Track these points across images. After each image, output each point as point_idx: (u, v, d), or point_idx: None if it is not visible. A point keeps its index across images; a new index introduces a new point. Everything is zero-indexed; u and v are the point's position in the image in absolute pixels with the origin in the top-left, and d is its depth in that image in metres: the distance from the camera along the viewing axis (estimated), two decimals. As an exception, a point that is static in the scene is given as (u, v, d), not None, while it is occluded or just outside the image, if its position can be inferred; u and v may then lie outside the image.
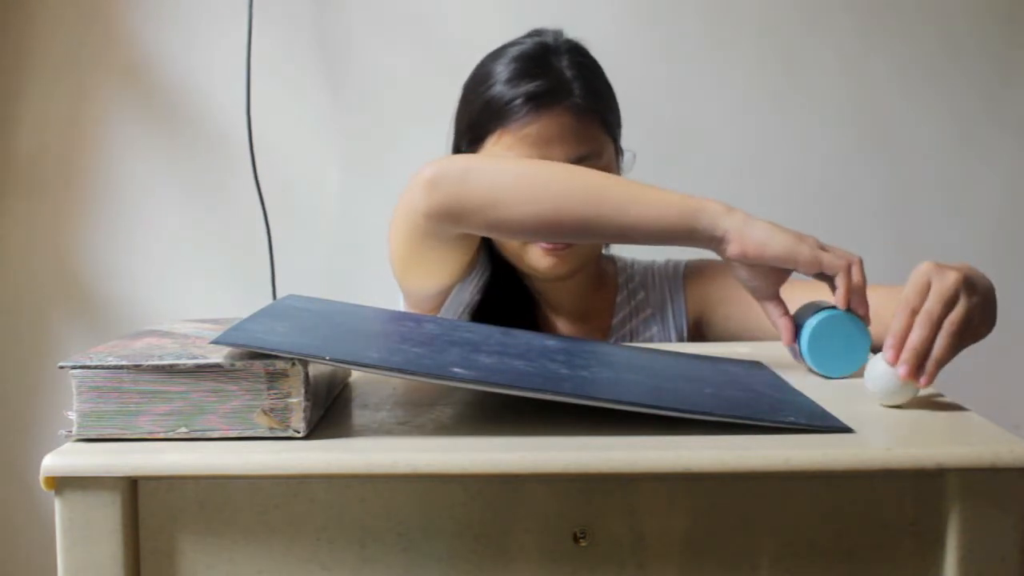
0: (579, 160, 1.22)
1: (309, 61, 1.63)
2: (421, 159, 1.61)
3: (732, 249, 0.99)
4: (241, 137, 1.58)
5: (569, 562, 0.70)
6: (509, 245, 1.29)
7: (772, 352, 1.06)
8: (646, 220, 1.03)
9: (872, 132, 1.61)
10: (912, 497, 0.70)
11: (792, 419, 0.76)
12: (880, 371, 0.83)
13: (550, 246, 1.24)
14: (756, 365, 0.99)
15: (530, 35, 1.32)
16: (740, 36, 1.61)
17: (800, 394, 0.86)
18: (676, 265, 1.35)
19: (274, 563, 0.70)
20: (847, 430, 0.74)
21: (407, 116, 1.63)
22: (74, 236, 1.65)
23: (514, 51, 1.29)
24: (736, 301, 1.27)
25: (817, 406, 0.81)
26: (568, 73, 1.26)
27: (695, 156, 1.61)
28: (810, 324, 0.95)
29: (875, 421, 0.78)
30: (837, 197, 1.62)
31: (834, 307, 0.96)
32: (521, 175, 1.08)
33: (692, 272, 1.34)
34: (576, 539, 0.70)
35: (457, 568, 0.70)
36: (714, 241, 1.00)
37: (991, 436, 0.72)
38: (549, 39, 1.30)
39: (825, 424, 0.75)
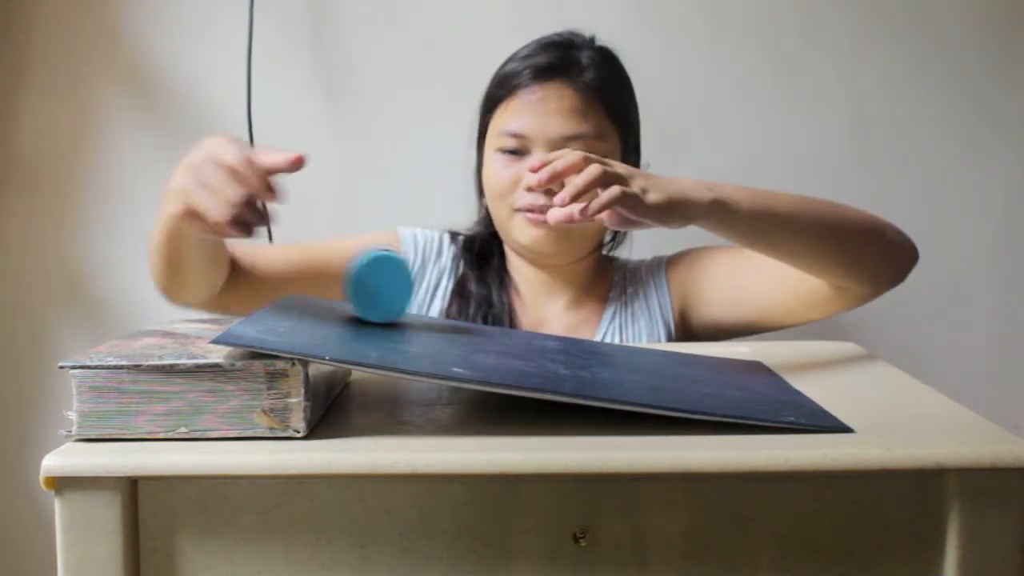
0: (575, 138, 1.24)
1: (309, 61, 1.63)
2: (422, 158, 1.61)
3: None
4: (243, 135, 1.58)
5: (569, 562, 0.70)
6: (500, 223, 1.32)
7: (772, 352, 1.06)
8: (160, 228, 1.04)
9: (868, 138, 1.61)
10: (912, 497, 0.70)
11: (792, 419, 0.76)
12: None
13: (534, 217, 1.25)
14: (756, 365, 0.99)
15: (567, 31, 1.35)
16: (735, 42, 1.61)
17: (800, 394, 0.86)
18: (659, 259, 1.37)
19: (274, 563, 0.70)
20: (847, 430, 0.74)
21: (408, 116, 1.63)
22: (74, 236, 1.65)
23: (544, 38, 1.32)
24: (717, 282, 1.28)
25: (817, 406, 0.81)
26: (585, 61, 1.29)
27: (689, 161, 1.61)
28: (353, 267, 0.89)
29: (875, 421, 0.78)
30: (831, 197, 1.61)
31: (384, 251, 0.91)
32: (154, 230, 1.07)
33: (672, 262, 1.36)
34: (576, 539, 0.70)
35: (457, 568, 0.70)
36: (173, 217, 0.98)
37: (991, 436, 0.72)
38: (580, 36, 1.34)
39: (825, 424, 0.75)
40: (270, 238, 1.58)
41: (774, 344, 1.14)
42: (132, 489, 0.70)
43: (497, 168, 1.28)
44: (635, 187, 0.94)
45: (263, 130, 1.58)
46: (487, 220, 1.37)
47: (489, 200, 1.32)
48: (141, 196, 1.64)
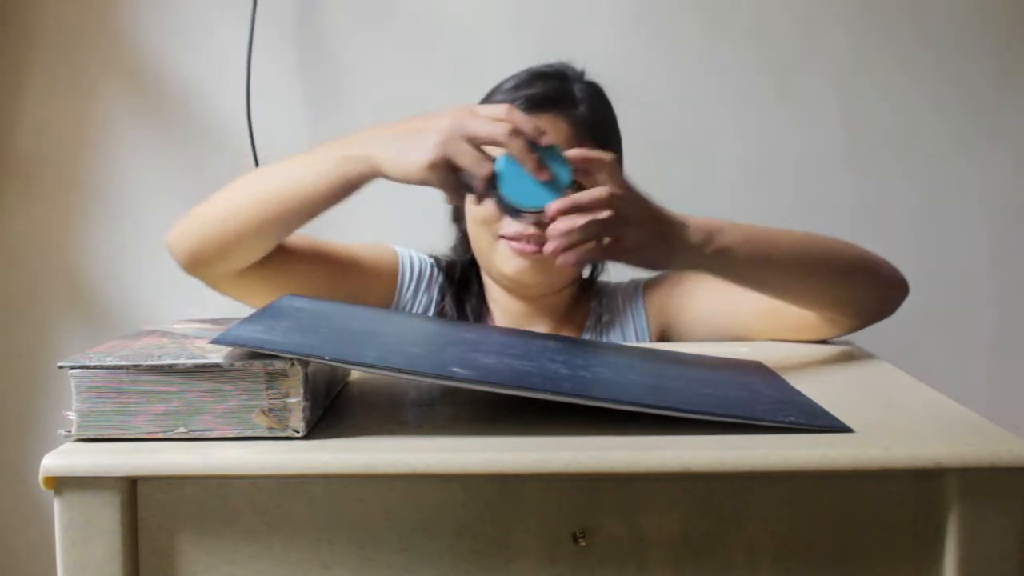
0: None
1: (310, 63, 1.63)
2: None
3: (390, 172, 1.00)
4: (243, 136, 1.58)
5: (569, 562, 0.70)
6: (480, 250, 1.27)
7: (772, 352, 1.06)
8: (306, 182, 1.06)
9: (865, 145, 1.61)
10: (912, 497, 0.70)
11: (792, 419, 0.76)
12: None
13: (519, 246, 1.20)
14: (756, 365, 0.99)
15: (558, 63, 1.32)
16: (734, 44, 1.60)
17: (800, 394, 0.86)
18: (636, 283, 1.32)
19: (273, 563, 0.70)
20: (847, 430, 0.74)
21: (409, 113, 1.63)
22: (75, 237, 1.65)
23: (535, 69, 1.29)
24: (701, 307, 1.24)
25: (817, 406, 0.81)
26: (578, 94, 1.25)
27: (688, 164, 1.61)
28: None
29: (875, 421, 0.78)
30: (830, 204, 1.61)
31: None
32: (225, 195, 1.11)
33: (649, 286, 1.31)
34: (576, 539, 0.70)
35: (456, 568, 0.70)
36: (371, 170, 1.02)
37: (991, 436, 0.72)
38: (572, 69, 1.30)
39: (825, 424, 0.75)
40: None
41: (774, 344, 1.14)
42: (131, 489, 0.69)
43: None
44: (630, 239, 0.93)
45: (262, 129, 1.58)
46: (464, 247, 1.33)
47: (471, 226, 1.27)
48: (141, 197, 1.65)
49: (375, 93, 1.63)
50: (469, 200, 1.26)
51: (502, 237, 1.22)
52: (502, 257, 1.23)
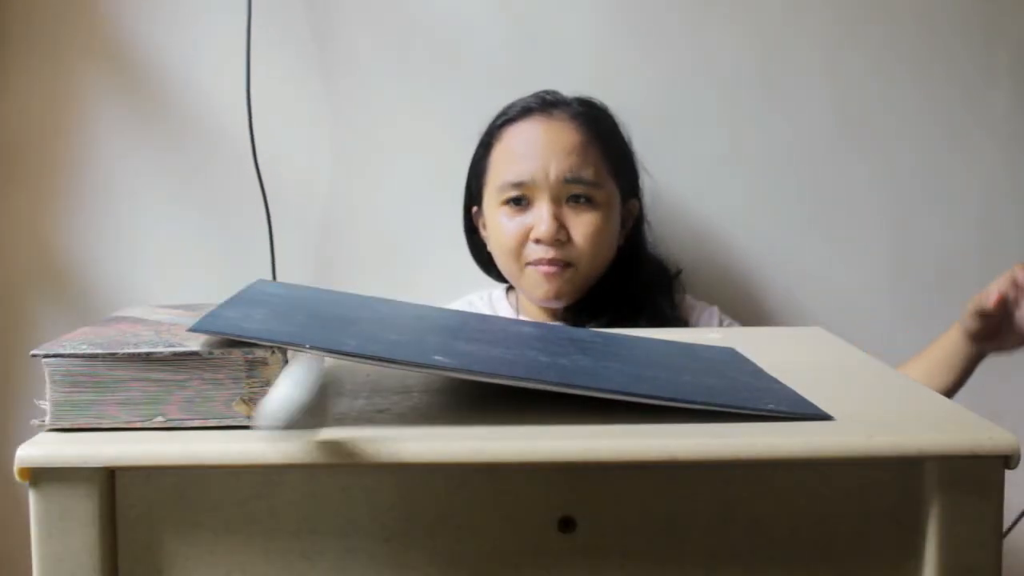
0: (576, 182, 1.28)
1: (309, 47, 1.60)
2: (423, 155, 1.59)
3: None
4: (228, 118, 1.55)
5: (553, 551, 0.70)
6: (511, 277, 1.39)
7: (743, 338, 1.06)
8: None
9: (853, 129, 1.61)
10: (892, 484, 0.70)
11: (772, 406, 0.76)
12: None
13: (545, 268, 1.32)
14: (730, 352, 0.99)
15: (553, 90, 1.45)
16: (719, 30, 1.60)
17: (776, 381, 0.86)
18: (711, 309, 1.45)
19: (255, 554, 0.69)
20: (827, 418, 0.75)
21: (411, 114, 1.60)
22: (55, 225, 1.61)
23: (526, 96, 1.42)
24: None
25: (795, 393, 0.81)
26: (579, 108, 1.38)
27: (674, 154, 1.60)
28: None
29: (852, 409, 0.78)
30: (817, 194, 1.62)
31: None
32: None
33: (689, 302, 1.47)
34: (560, 528, 0.70)
35: (441, 557, 0.70)
36: None
37: (970, 424, 0.73)
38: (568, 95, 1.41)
39: (805, 412, 0.76)
40: (271, 238, 1.56)
41: (744, 330, 1.14)
42: (110, 480, 0.68)
43: (503, 222, 1.34)
44: None
45: (261, 115, 1.55)
46: (498, 276, 1.44)
47: (499, 257, 1.38)
48: (122, 184, 1.61)
49: (379, 83, 1.60)
50: (495, 232, 1.33)
51: (528, 264, 1.34)
52: (532, 283, 1.35)
